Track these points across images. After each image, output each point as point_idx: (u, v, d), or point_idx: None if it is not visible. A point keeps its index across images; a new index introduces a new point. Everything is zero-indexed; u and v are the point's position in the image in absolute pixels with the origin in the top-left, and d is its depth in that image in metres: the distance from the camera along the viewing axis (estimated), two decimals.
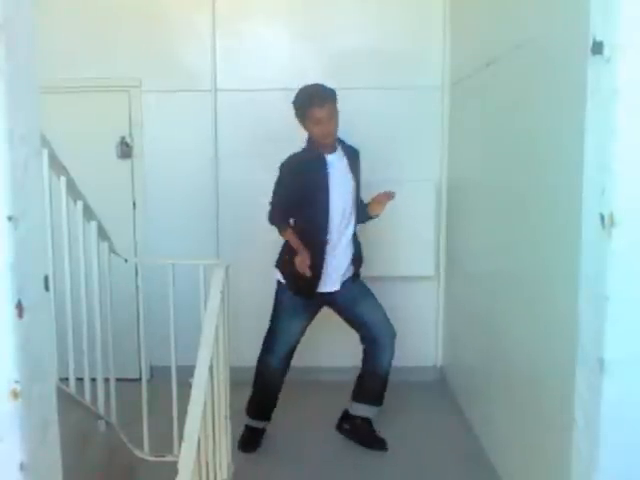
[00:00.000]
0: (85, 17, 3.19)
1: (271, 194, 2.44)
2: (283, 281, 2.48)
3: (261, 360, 2.54)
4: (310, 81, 3.21)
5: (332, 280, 2.45)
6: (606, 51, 0.99)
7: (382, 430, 2.65)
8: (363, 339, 2.57)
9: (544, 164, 1.86)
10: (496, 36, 2.38)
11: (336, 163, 2.42)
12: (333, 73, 3.21)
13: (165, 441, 2.26)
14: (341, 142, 2.49)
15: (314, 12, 3.22)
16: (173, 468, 1.29)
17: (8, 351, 0.67)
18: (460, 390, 3.04)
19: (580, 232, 1.07)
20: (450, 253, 3.24)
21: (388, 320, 2.56)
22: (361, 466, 2.49)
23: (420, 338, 3.35)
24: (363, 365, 2.58)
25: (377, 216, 2.55)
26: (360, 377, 2.60)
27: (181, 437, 1.38)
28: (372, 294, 2.58)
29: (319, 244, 2.38)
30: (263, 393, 2.56)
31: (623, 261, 1.00)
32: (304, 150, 2.44)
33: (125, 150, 3.27)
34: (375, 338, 2.51)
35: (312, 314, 2.54)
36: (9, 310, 0.67)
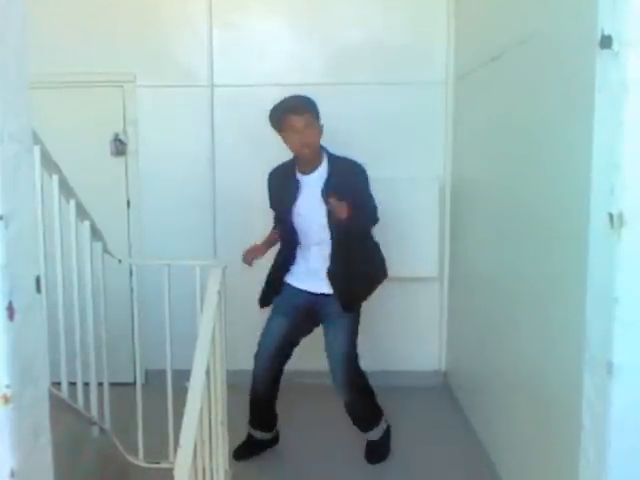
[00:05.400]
0: (77, 9, 3.14)
1: None
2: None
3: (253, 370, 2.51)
4: (310, 76, 3.19)
5: (300, 277, 2.44)
6: (615, 45, 0.97)
7: None
8: None
9: (551, 161, 1.83)
10: (501, 30, 2.36)
11: (308, 187, 2.34)
12: (334, 68, 3.19)
13: (160, 447, 2.22)
14: (333, 159, 2.35)
15: (314, 4, 3.18)
16: (169, 475, 1.27)
17: None
18: (464, 395, 3.01)
19: (588, 232, 1.05)
20: (454, 253, 3.21)
21: (343, 366, 2.40)
22: (362, 470, 2.47)
23: (423, 341, 3.32)
24: None
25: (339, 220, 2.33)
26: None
27: (177, 443, 1.36)
28: (345, 331, 2.41)
29: (291, 243, 2.45)
30: (251, 399, 2.52)
31: (633, 262, 0.98)
32: (285, 164, 2.44)
33: (119, 147, 3.23)
34: (330, 368, 2.45)
35: (294, 314, 2.45)
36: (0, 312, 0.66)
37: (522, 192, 2.11)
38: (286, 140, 2.30)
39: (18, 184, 0.69)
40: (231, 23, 3.18)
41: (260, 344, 2.48)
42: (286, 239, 2.47)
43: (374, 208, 2.37)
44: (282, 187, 2.40)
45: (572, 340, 1.59)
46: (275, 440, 2.62)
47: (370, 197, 2.37)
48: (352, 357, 2.44)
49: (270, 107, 2.32)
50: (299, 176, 2.36)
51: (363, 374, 2.50)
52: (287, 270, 2.47)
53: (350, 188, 2.26)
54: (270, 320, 2.48)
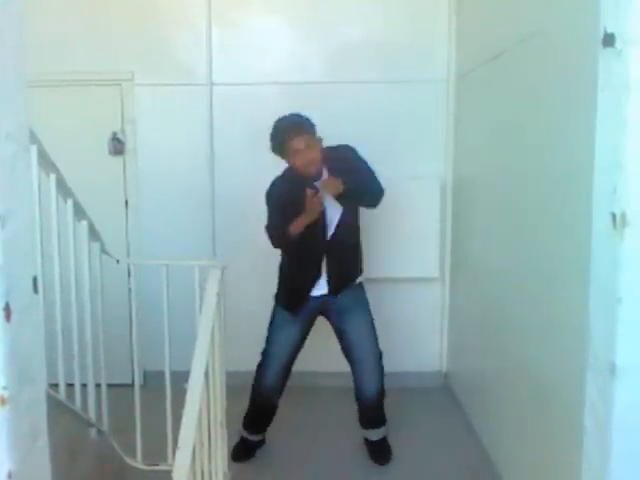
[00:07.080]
0: (75, 7, 3.13)
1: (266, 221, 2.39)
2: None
3: (256, 379, 2.49)
4: (311, 74, 3.18)
5: (320, 285, 2.40)
6: (618, 43, 0.97)
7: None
8: (346, 357, 2.48)
9: (553, 161, 1.83)
10: (503, 28, 2.35)
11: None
12: (334, 66, 3.18)
13: (159, 449, 2.20)
14: (326, 155, 2.32)
15: (315, 2, 3.17)
16: (167, 477, 1.27)
17: None
18: (465, 396, 3.00)
19: (591, 232, 1.04)
20: (455, 253, 3.20)
21: (373, 341, 2.45)
22: (363, 472, 2.46)
23: (424, 342, 3.31)
24: (355, 390, 2.49)
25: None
26: (357, 403, 2.52)
27: (175, 445, 1.35)
28: (364, 308, 2.46)
29: (315, 252, 2.37)
30: (258, 410, 2.51)
31: (636, 262, 0.98)
32: (289, 176, 2.33)
33: (117, 146, 3.22)
34: (356, 360, 2.44)
35: (304, 325, 2.44)
36: None
37: (524, 191, 2.11)
38: (290, 162, 2.27)
39: (15, 184, 0.69)
40: (230, 21, 3.17)
41: (270, 358, 2.43)
42: (306, 250, 2.34)
43: (375, 174, 2.37)
44: (299, 198, 2.25)
45: (575, 341, 1.58)
46: (263, 440, 2.61)
47: (366, 163, 2.37)
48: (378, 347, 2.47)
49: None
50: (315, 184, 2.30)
51: None
52: (313, 283, 2.39)
53: (347, 167, 2.29)
54: (279, 335, 2.42)
